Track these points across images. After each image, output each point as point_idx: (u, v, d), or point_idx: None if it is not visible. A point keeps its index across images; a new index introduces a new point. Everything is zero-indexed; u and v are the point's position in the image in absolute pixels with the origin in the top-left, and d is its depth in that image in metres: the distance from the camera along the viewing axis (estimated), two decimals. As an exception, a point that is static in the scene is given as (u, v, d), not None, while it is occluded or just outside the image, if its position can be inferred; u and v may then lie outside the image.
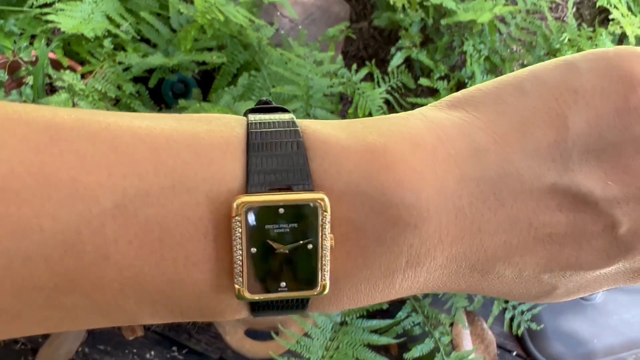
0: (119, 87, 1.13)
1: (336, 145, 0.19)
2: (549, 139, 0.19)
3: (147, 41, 1.26)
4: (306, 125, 0.20)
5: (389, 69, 1.29)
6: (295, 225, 0.19)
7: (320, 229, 0.19)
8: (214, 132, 0.19)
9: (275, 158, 0.19)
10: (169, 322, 0.22)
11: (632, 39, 1.65)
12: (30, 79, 1.09)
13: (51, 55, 1.16)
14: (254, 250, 0.18)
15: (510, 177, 0.19)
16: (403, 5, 1.27)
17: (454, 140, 0.20)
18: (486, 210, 0.19)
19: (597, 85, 0.19)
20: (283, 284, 0.19)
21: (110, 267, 0.17)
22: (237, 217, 0.18)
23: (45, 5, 1.20)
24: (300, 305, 0.20)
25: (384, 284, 0.20)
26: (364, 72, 1.24)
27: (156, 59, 1.13)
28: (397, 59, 1.28)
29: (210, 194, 0.18)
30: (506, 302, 1.14)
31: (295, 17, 1.46)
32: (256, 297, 0.19)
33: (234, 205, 0.18)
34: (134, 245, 0.18)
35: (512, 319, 1.15)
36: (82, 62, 1.20)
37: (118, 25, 1.18)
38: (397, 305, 1.10)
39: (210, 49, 1.21)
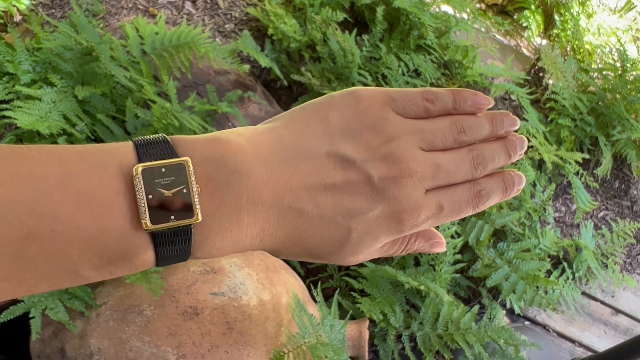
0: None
1: (190, 139, 0.31)
2: (320, 128, 0.33)
3: (100, 141, 1.30)
4: (175, 136, 0.31)
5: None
6: (173, 178, 0.29)
7: (188, 178, 0.29)
8: (114, 144, 0.30)
9: (153, 148, 0.29)
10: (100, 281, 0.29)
11: (549, 164, 1.84)
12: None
13: (2, 149, 1.17)
14: (150, 196, 0.28)
15: (301, 149, 0.32)
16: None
17: (266, 132, 0.33)
18: (289, 166, 0.31)
19: (342, 101, 0.34)
20: (172, 216, 0.28)
21: (59, 222, 0.26)
22: (136, 176, 0.28)
23: (3, 102, 1.23)
24: (187, 235, 0.29)
25: (238, 218, 0.30)
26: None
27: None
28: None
29: (119, 170, 0.28)
30: None
31: (246, 128, 1.55)
32: (157, 226, 0.28)
33: (133, 170, 0.28)
34: (72, 206, 0.26)
35: None
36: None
37: (74, 125, 1.22)
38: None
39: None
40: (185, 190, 0.29)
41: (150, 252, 0.29)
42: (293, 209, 0.31)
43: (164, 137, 0.30)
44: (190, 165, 0.29)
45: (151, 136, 0.30)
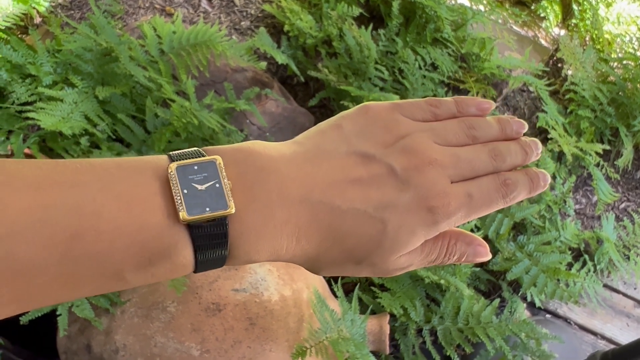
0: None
1: (218, 147, 0.33)
2: (336, 134, 0.35)
3: (121, 141, 1.32)
4: (204, 147, 0.33)
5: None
6: (206, 174, 0.31)
7: (220, 173, 0.31)
8: (149, 157, 0.32)
9: (186, 155, 0.32)
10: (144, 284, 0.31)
11: (569, 156, 1.82)
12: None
13: (26, 150, 1.19)
14: (185, 191, 0.30)
15: (322, 151, 0.34)
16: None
17: (285, 143, 0.35)
18: (313, 166, 0.33)
19: (352, 113, 0.36)
20: (207, 208, 0.30)
21: (102, 222, 0.27)
22: (171, 173, 0.30)
23: (26, 103, 1.25)
24: (224, 228, 0.30)
25: (270, 212, 0.31)
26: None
27: (131, 157, 1.18)
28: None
29: (154, 173, 0.30)
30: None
31: (264, 125, 1.56)
32: (193, 217, 0.29)
33: (169, 168, 0.30)
34: (114, 207, 0.28)
35: None
36: (56, 159, 1.23)
37: (95, 125, 1.24)
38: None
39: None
40: (217, 185, 0.31)
41: (189, 250, 0.30)
42: (323, 203, 0.32)
43: (196, 148, 0.33)
44: (221, 161, 0.31)
45: (184, 150, 0.33)
